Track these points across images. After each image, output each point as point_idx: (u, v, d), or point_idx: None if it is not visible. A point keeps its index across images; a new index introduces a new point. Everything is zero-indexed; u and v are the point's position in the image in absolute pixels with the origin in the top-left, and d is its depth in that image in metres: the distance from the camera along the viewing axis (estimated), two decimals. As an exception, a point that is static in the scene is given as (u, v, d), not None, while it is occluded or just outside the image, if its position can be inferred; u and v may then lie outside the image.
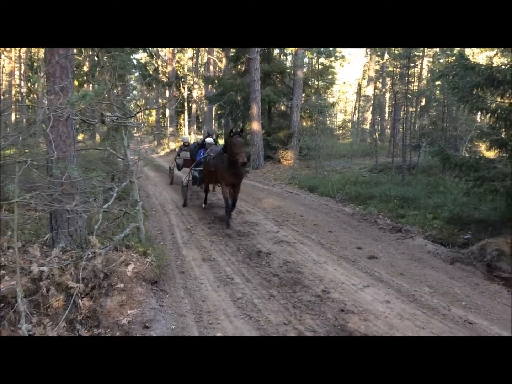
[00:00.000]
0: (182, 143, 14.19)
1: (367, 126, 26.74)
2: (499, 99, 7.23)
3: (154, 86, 25.13)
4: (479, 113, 8.79)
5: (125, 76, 14.08)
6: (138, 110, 6.95)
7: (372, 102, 26.57)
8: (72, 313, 3.88)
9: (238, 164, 7.03)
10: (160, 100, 33.58)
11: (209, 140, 10.24)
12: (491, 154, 9.67)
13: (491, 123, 7.46)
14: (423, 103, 18.25)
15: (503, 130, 7.38)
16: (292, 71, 19.21)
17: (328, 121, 27.72)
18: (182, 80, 33.15)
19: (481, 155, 8.51)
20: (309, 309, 4.39)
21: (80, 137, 10.36)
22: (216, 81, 19.96)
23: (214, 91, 22.26)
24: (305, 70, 19.91)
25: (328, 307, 4.40)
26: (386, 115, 28.49)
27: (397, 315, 4.27)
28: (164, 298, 4.64)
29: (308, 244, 6.84)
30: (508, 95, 7.22)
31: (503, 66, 7.10)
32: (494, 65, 7.23)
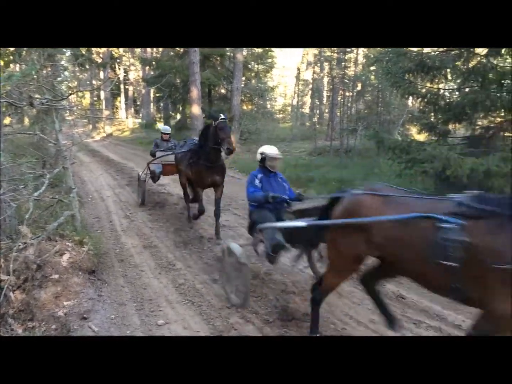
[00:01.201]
0: (155, 135, 12.64)
1: (307, 110, 27.19)
2: (428, 84, 7.61)
3: (87, 66, 23.90)
4: (410, 97, 9.20)
5: (55, 55, 13.28)
6: (70, 92, 6.59)
7: (311, 86, 26.94)
8: (3, 307, 3.68)
9: None
10: (94, 82, 32.06)
11: (271, 152, 4.86)
12: (421, 137, 10.20)
13: (421, 107, 7.85)
14: (359, 88, 18.78)
15: (432, 114, 7.79)
16: (232, 54, 19.02)
17: (269, 105, 27.80)
18: (118, 61, 31.82)
19: (412, 138, 8.93)
20: (251, 291, 4.45)
21: (6, 121, 9.69)
22: (153, 62, 19.39)
23: (152, 73, 21.61)
24: (245, 53, 19.72)
25: (269, 289, 4.48)
26: (325, 99, 28.97)
27: (335, 294, 4.43)
28: (102, 288, 4.52)
29: (249, 227, 6.89)
30: (437, 80, 7.61)
31: (432, 53, 7.46)
32: (424, 51, 7.57)
